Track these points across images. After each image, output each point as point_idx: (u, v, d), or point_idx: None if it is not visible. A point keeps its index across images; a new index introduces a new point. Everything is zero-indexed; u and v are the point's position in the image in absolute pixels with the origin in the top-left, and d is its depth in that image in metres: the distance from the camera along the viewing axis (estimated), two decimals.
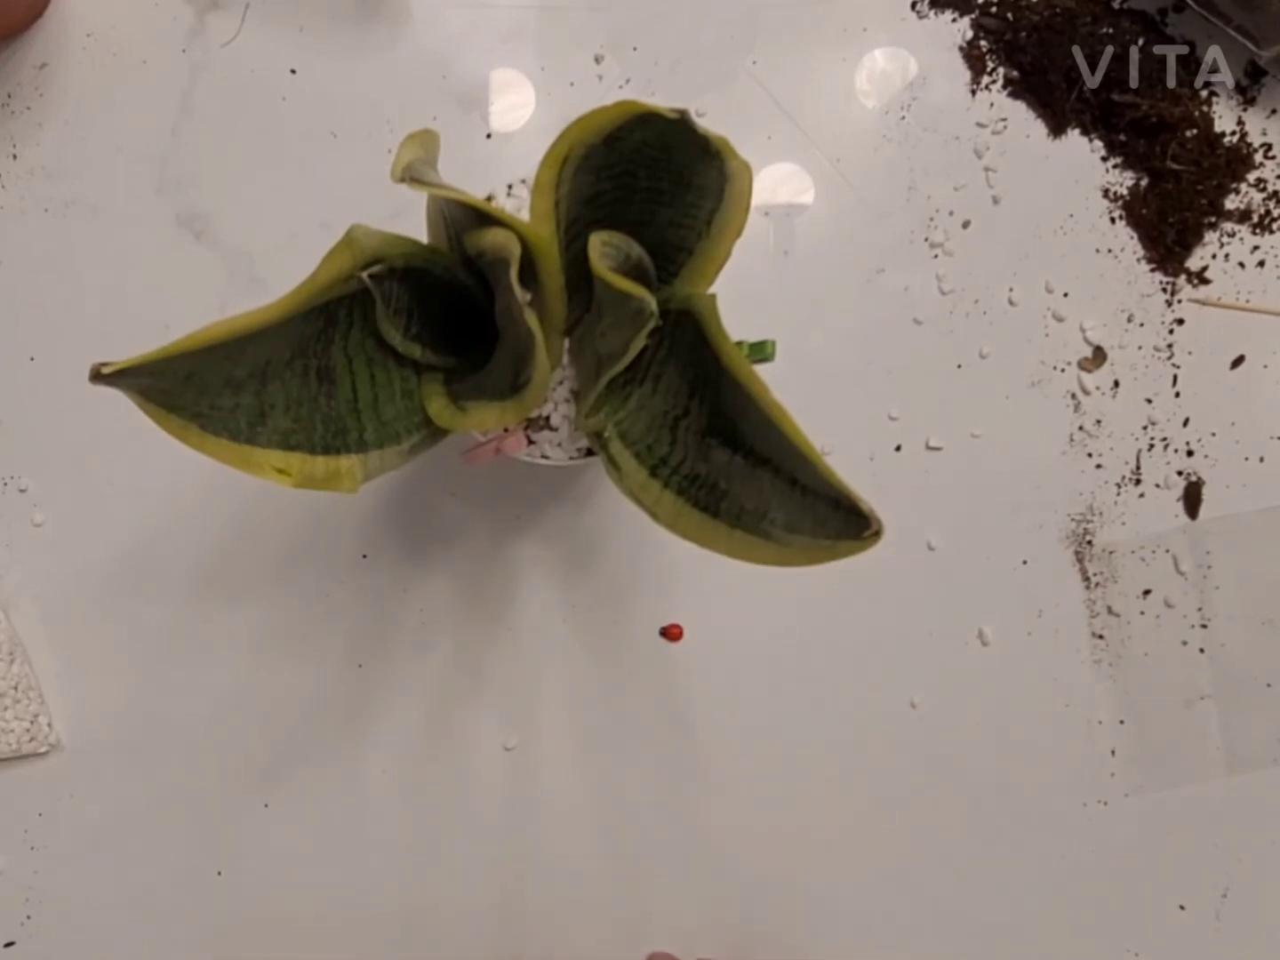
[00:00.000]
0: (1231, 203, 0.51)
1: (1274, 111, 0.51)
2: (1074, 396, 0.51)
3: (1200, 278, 0.51)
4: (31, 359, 0.50)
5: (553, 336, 0.34)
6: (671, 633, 0.49)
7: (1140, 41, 0.51)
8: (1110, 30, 0.51)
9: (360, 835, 0.49)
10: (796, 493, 0.29)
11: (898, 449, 0.50)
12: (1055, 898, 0.49)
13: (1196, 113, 0.50)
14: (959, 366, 0.51)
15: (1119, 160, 0.51)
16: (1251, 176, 0.51)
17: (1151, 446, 0.51)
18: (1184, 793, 0.50)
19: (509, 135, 0.51)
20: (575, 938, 0.49)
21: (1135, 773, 0.49)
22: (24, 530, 0.49)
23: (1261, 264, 0.51)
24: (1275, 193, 0.51)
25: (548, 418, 0.38)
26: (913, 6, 0.52)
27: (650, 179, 0.32)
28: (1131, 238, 0.51)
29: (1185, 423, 0.51)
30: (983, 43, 0.52)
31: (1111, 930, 0.49)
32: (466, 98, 0.51)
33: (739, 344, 0.32)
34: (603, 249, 0.31)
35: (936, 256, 0.51)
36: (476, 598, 0.49)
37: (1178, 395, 0.51)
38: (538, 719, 0.49)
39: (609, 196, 0.33)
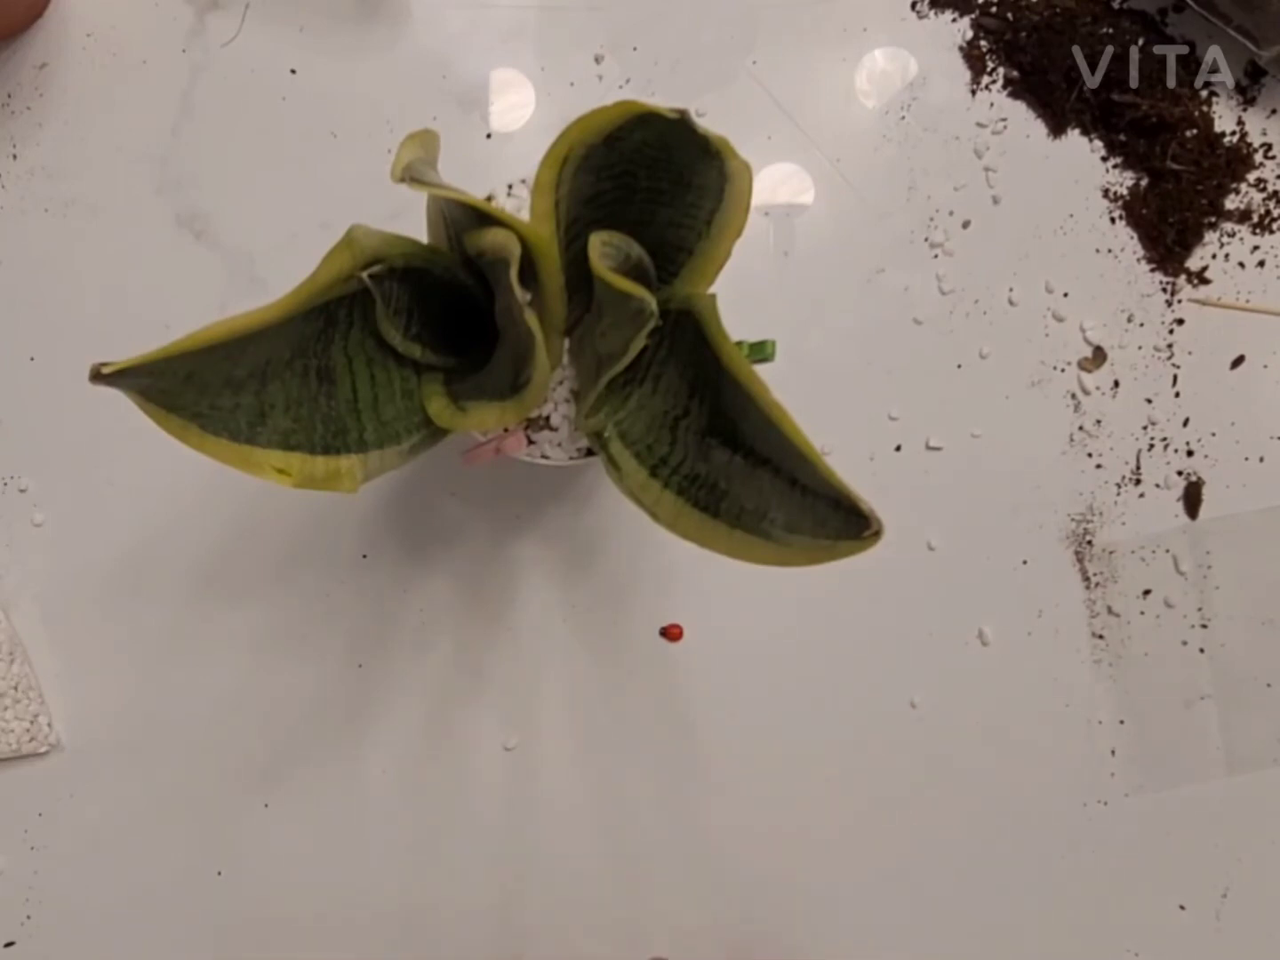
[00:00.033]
0: (1231, 203, 0.51)
1: (1274, 111, 0.51)
2: (1074, 396, 0.51)
3: (1200, 278, 0.51)
4: (31, 359, 0.50)
5: (553, 336, 0.34)
6: (671, 633, 0.49)
7: (1140, 41, 0.51)
8: (1110, 30, 0.51)
9: (360, 835, 0.49)
10: (796, 493, 0.29)
11: (898, 449, 0.50)
12: (1055, 898, 0.49)
13: (1196, 113, 0.50)
14: (959, 366, 0.51)
15: (1119, 160, 0.51)
16: (1251, 176, 0.51)
17: (1151, 446, 0.51)
18: (1184, 793, 0.50)
19: (509, 135, 0.51)
20: (575, 938, 0.49)
21: (1135, 773, 0.49)
22: (24, 530, 0.49)
23: (1261, 264, 0.51)
24: (1275, 193, 0.51)
25: (548, 418, 0.38)
26: (913, 6, 0.52)
27: (650, 179, 0.32)
28: (1131, 238, 0.51)
29: (1185, 423, 0.51)
30: (983, 43, 0.52)
31: (1111, 930, 0.49)
32: (466, 98, 0.51)
33: (739, 344, 0.32)
34: (603, 249, 0.31)
35: (936, 256, 0.51)
36: (476, 598, 0.50)
37: (1178, 395, 0.51)
38: (538, 719, 0.49)
39: (609, 196, 0.33)
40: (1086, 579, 0.50)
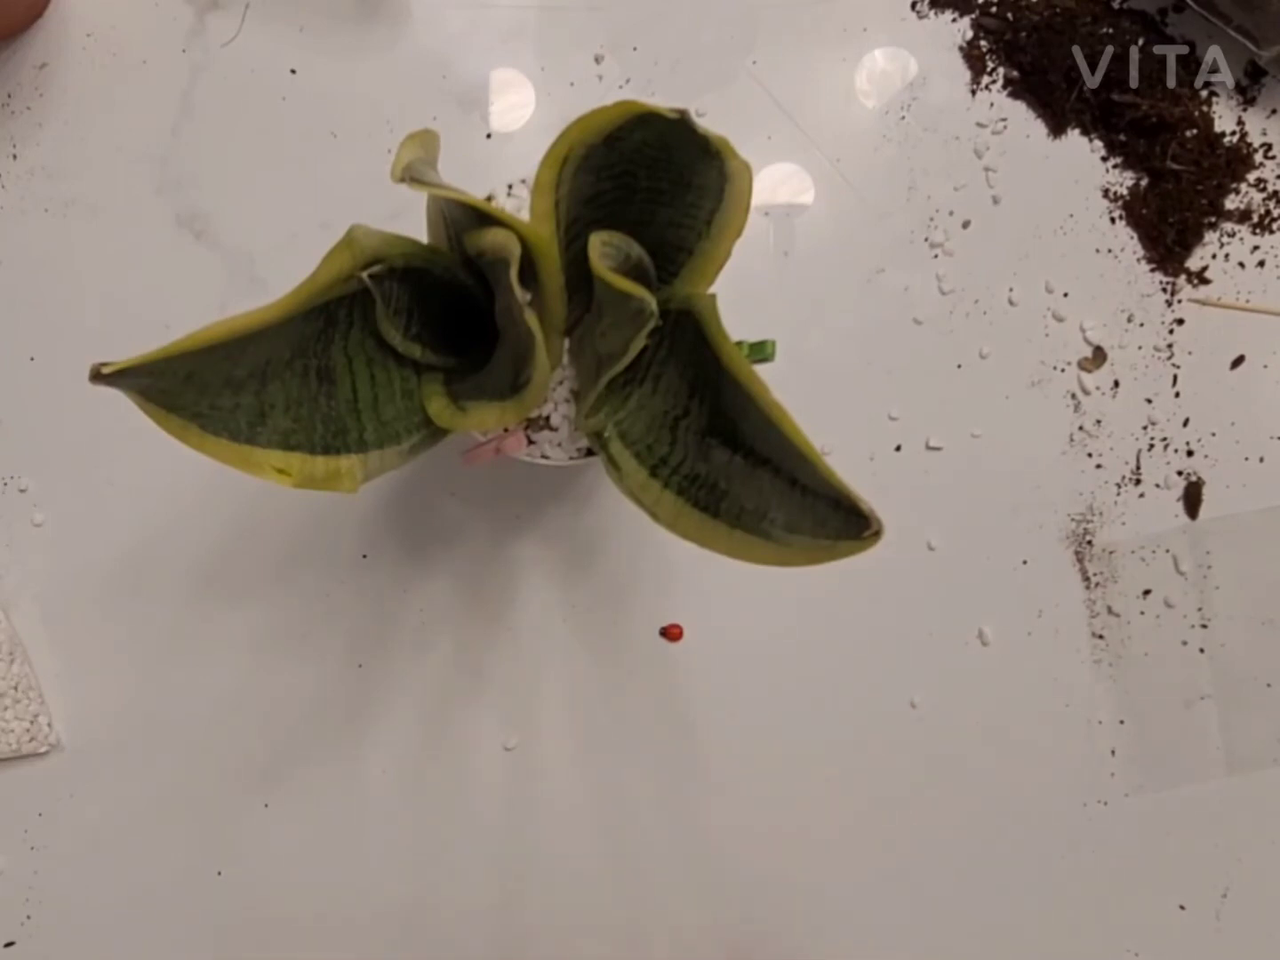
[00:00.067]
0: (1231, 203, 0.51)
1: (1274, 111, 0.51)
2: (1074, 396, 0.51)
3: (1200, 278, 0.51)
4: (31, 359, 0.50)
5: (553, 336, 0.34)
6: (671, 633, 0.49)
7: (1140, 41, 0.51)
8: (1110, 30, 0.51)
9: (360, 835, 0.49)
10: (796, 493, 0.29)
11: (898, 449, 0.50)
12: (1055, 898, 0.49)
13: (1196, 113, 0.50)
14: (959, 366, 0.51)
15: (1119, 160, 0.51)
16: (1251, 176, 0.51)
17: (1151, 446, 0.51)
18: (1184, 793, 0.50)
19: (509, 135, 0.51)
20: (575, 938, 0.49)
21: (1135, 773, 0.49)
22: (24, 530, 0.49)
23: (1261, 264, 0.51)
24: (1275, 193, 0.51)
25: (548, 418, 0.38)
26: (913, 6, 0.52)
27: (650, 179, 0.32)
28: (1131, 238, 0.51)
29: (1185, 423, 0.51)
30: (983, 43, 0.52)
31: (1111, 930, 0.49)
32: (466, 98, 0.51)
33: (739, 344, 0.32)
34: (603, 249, 0.31)
35: (936, 256, 0.51)
36: (476, 598, 0.50)
37: (1178, 395, 0.51)
38: (538, 719, 0.49)
39: (609, 196, 0.33)
40: (1086, 579, 0.50)
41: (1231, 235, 0.51)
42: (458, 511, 0.50)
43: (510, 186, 0.40)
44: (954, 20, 0.52)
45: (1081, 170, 0.51)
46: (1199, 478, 0.51)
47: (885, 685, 0.50)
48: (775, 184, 0.51)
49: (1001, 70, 0.52)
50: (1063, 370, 0.51)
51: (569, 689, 0.49)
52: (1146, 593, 0.50)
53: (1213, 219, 0.51)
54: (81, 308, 0.50)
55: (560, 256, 0.32)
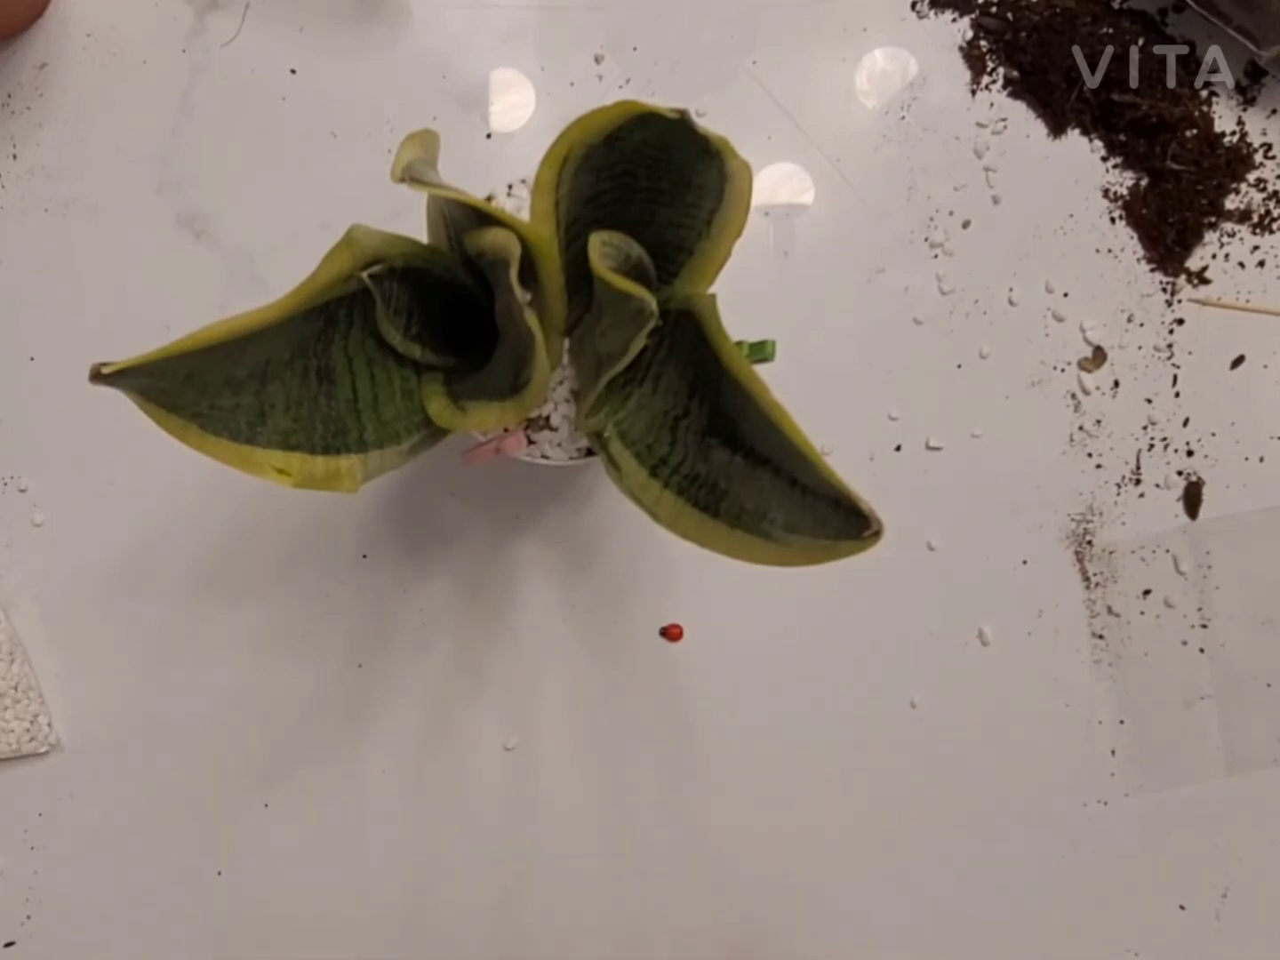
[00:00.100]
0: (1231, 203, 0.51)
1: (1274, 111, 0.51)
2: (1074, 396, 0.51)
3: (1200, 278, 0.51)
4: (31, 359, 0.50)
5: (553, 336, 0.34)
6: (671, 633, 0.49)
7: (1140, 41, 0.51)
8: (1110, 30, 0.51)
9: (360, 835, 0.49)
10: (796, 493, 0.29)
11: (898, 449, 0.50)
12: (1055, 898, 0.49)
13: (1196, 113, 0.50)
14: (959, 366, 0.51)
15: (1119, 160, 0.51)
16: (1251, 176, 0.51)
17: (1151, 446, 0.51)
18: (1184, 793, 0.50)
19: (509, 135, 0.51)
20: (575, 938, 0.49)
21: (1135, 773, 0.49)
22: (24, 530, 0.49)
23: (1261, 264, 0.51)
24: (1275, 193, 0.51)
25: (548, 418, 0.38)
26: (913, 6, 0.52)
27: (650, 179, 0.32)
28: (1131, 238, 0.51)
29: (1185, 423, 0.51)
30: (983, 43, 0.52)
31: (1111, 930, 0.49)
32: (466, 98, 0.51)
33: (739, 344, 0.32)
34: (603, 249, 0.31)
35: (936, 256, 0.51)
36: (476, 598, 0.50)
37: (1178, 395, 0.51)
38: (538, 719, 0.49)
39: (609, 196, 0.33)
40: (1086, 579, 0.50)
41: (1231, 235, 0.51)
42: (458, 511, 0.50)
43: (510, 186, 0.40)
44: (954, 20, 0.52)
45: (1081, 170, 0.51)
46: (1199, 478, 0.51)
47: (885, 685, 0.50)
48: (775, 184, 0.51)
49: (1001, 70, 0.52)
50: (1063, 370, 0.51)
51: (569, 689, 0.49)
52: (1146, 593, 0.50)
53: (1213, 219, 0.51)
54: (81, 308, 0.50)
55: (560, 256, 0.32)
